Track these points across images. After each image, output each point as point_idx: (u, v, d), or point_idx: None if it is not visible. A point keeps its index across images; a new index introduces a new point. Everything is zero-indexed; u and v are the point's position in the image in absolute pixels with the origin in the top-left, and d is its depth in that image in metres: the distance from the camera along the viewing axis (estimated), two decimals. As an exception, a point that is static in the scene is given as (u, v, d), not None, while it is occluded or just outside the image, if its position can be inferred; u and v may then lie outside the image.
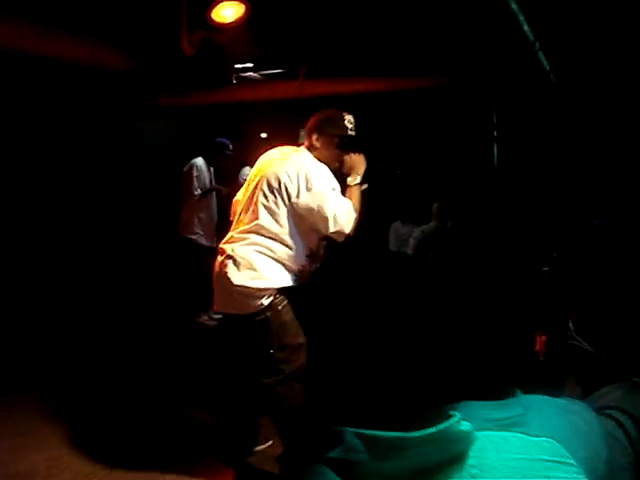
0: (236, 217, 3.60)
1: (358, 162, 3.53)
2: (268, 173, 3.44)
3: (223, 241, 3.56)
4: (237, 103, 7.27)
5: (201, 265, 6.82)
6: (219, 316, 6.95)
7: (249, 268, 3.34)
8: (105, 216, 7.70)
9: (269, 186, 3.40)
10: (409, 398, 4.17)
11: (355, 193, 3.47)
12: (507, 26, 5.05)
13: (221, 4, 5.62)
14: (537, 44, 4.45)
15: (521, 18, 3.88)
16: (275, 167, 3.45)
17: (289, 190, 3.34)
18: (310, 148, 3.55)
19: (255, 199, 3.45)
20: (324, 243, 3.59)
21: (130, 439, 4.25)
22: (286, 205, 3.36)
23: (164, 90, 7.08)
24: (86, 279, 7.36)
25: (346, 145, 3.50)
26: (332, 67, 6.35)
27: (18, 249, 7.00)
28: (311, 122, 3.58)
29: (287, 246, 3.40)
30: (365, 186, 3.52)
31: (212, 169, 7.23)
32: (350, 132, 3.52)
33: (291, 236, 3.40)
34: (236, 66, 7.24)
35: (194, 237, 7.13)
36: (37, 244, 7.16)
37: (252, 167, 6.67)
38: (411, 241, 7.28)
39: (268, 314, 3.36)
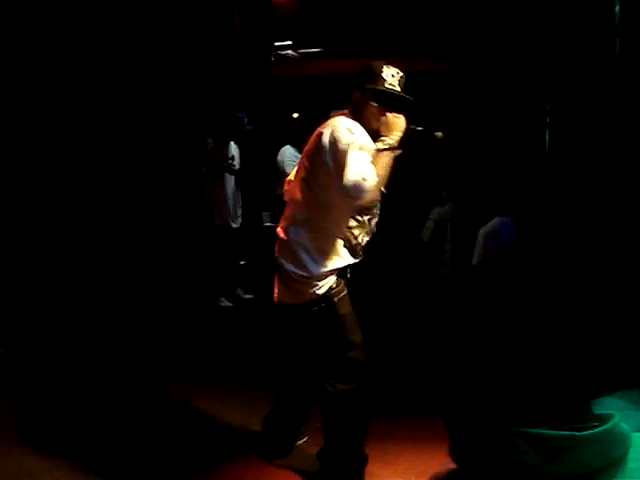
0: (288, 197, 3.36)
1: (395, 123, 3.16)
2: (309, 145, 3.21)
3: (279, 226, 3.31)
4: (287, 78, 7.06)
5: (228, 245, 6.97)
6: (248, 296, 7.20)
7: (299, 252, 3.12)
8: (121, 195, 7.46)
9: (308, 158, 3.17)
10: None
11: (382, 159, 3.10)
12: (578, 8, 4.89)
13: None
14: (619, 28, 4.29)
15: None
16: (314, 137, 3.18)
17: (321, 154, 3.05)
18: (353, 109, 3.22)
19: (299, 177, 3.24)
20: (375, 212, 3.28)
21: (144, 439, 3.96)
22: (320, 172, 3.08)
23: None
24: (97, 262, 7.13)
25: (383, 100, 3.12)
26: (384, 47, 6.20)
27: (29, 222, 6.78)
28: (352, 78, 3.25)
29: (328, 218, 3.12)
30: (399, 152, 3.16)
31: (232, 146, 7.02)
32: (390, 86, 3.13)
33: (328, 206, 3.10)
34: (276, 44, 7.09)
35: (217, 220, 6.99)
36: (63, 210, 6.92)
37: (294, 146, 6.85)
38: (429, 224, 7.19)
39: (323, 305, 3.12)
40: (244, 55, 7.12)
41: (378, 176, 3.00)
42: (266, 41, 6.95)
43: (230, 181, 7.07)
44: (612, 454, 1.98)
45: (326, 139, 3.04)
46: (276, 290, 3.28)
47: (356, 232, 3.21)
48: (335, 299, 3.13)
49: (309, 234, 3.13)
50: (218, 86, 7.46)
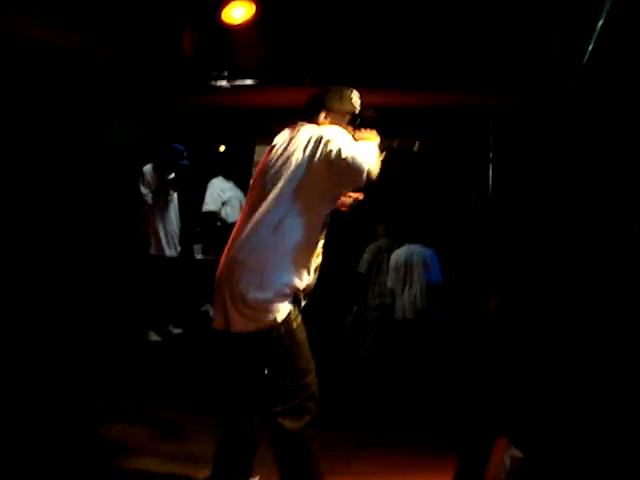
0: (239, 219, 3.21)
1: (371, 137, 3.28)
2: (269, 157, 3.12)
3: (226, 246, 3.15)
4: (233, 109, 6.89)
5: (162, 277, 6.74)
6: (177, 331, 6.95)
7: (261, 276, 2.95)
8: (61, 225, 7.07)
9: (275, 165, 3.05)
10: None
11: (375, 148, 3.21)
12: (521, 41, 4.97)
13: (232, 3, 5.34)
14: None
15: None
16: (280, 147, 3.12)
17: (301, 155, 2.99)
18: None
19: (258, 191, 3.10)
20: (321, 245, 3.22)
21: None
22: (293, 178, 2.99)
23: (158, 90, 6.63)
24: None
25: (359, 122, 3.28)
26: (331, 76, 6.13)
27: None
28: (313, 99, 3.32)
29: (293, 238, 3.00)
30: (383, 154, 3.25)
31: (169, 175, 6.87)
32: (359, 108, 3.32)
33: (297, 223, 3.00)
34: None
35: (152, 250, 6.81)
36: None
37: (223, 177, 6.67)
38: (365, 257, 7.45)
39: (281, 331, 2.97)
40: (181, 83, 6.91)
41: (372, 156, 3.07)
42: (203, 70, 6.75)
43: (170, 210, 6.93)
44: None
45: (314, 141, 3.00)
46: (223, 318, 3.05)
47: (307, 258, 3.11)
48: (294, 325, 3.01)
49: (273, 256, 2.98)
50: (155, 115, 7.21)
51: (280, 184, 3.01)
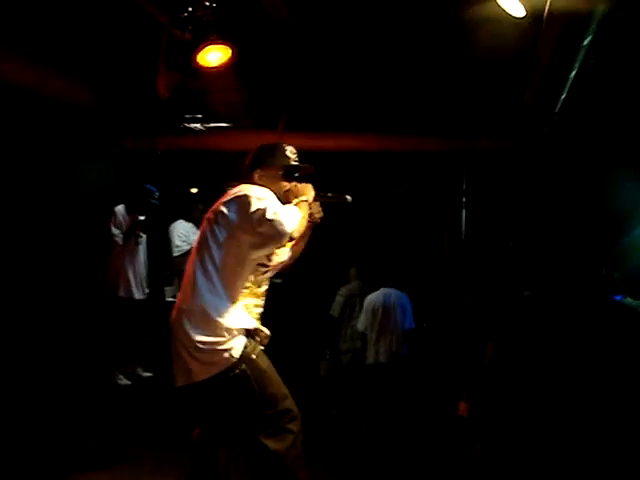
0: (186, 270, 3.28)
1: (305, 189, 3.36)
2: (210, 214, 3.22)
3: (178, 299, 3.21)
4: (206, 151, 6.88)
5: (131, 320, 6.64)
6: (147, 374, 6.83)
7: (206, 319, 3.00)
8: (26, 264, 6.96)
9: (210, 224, 3.17)
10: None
11: (302, 207, 3.30)
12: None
13: (208, 47, 5.33)
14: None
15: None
16: (216, 205, 3.22)
17: (231, 216, 3.10)
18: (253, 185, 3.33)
19: (200, 244, 3.20)
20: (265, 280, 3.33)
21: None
22: (225, 233, 3.11)
23: (132, 132, 6.60)
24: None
25: (291, 175, 3.36)
26: (305, 122, 6.18)
27: None
28: (249, 159, 3.42)
29: (226, 283, 3.10)
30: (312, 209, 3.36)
31: (139, 217, 6.80)
32: (293, 162, 3.39)
33: (229, 269, 3.11)
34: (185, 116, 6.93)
35: (121, 293, 6.71)
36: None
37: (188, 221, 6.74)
38: (338, 300, 7.43)
39: (243, 367, 3.00)
40: (150, 124, 6.91)
41: (294, 219, 3.16)
42: (177, 112, 6.76)
43: (140, 252, 6.85)
44: None
45: (240, 204, 3.10)
46: (184, 373, 3.06)
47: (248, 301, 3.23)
48: (253, 356, 3.05)
49: (215, 298, 3.05)
50: (126, 154, 7.18)
51: (213, 238, 3.12)
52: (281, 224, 3.05)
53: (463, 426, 4.47)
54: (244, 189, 3.19)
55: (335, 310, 7.43)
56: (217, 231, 3.13)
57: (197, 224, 6.90)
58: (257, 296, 3.30)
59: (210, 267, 3.10)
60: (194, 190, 8.43)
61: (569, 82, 3.75)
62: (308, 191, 3.36)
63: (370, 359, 6.94)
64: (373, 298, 6.97)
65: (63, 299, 6.92)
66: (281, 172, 3.35)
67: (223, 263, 3.10)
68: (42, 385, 5.95)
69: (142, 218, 6.82)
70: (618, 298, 4.88)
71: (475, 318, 6.05)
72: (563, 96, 4.02)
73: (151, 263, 7.09)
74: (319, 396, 6.99)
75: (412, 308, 6.92)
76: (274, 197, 3.19)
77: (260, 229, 3.05)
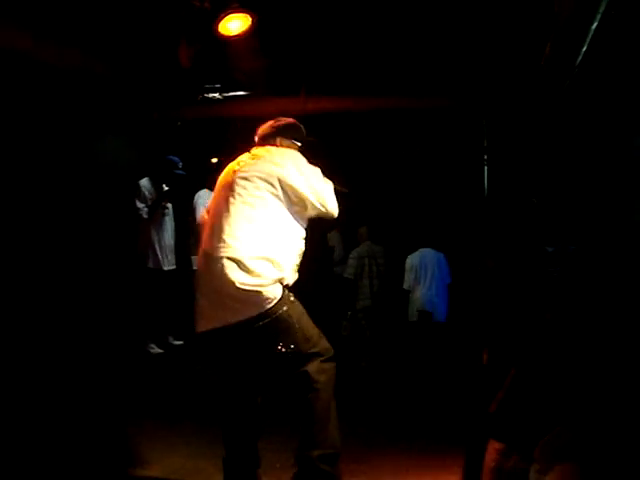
0: (211, 225, 3.43)
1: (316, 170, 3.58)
2: (248, 169, 3.44)
3: (207, 249, 3.35)
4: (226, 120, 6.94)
5: (161, 290, 6.75)
6: (178, 342, 6.96)
7: (251, 267, 3.17)
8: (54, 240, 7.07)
9: (252, 180, 3.37)
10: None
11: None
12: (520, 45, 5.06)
13: (229, 16, 5.39)
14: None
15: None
16: (255, 162, 3.47)
17: (281, 174, 3.35)
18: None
19: (228, 193, 3.41)
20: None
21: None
22: (276, 193, 3.34)
23: (154, 103, 6.67)
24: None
25: (304, 150, 3.64)
26: (326, 85, 6.23)
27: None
28: (272, 127, 3.71)
29: (280, 241, 3.31)
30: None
31: (164, 188, 6.91)
32: (308, 138, 3.77)
33: (283, 229, 3.34)
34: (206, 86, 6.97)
35: (150, 264, 6.81)
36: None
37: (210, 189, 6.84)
38: (351, 263, 7.83)
39: (285, 308, 3.21)
40: (173, 95, 6.96)
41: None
42: (195, 82, 6.81)
43: (167, 223, 6.92)
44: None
45: (292, 165, 3.39)
46: (212, 315, 3.23)
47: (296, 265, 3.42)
48: (292, 298, 3.28)
49: (254, 248, 3.23)
50: (148, 126, 7.25)
51: (250, 194, 3.36)
52: (331, 204, 3.48)
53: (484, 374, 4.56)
54: (281, 150, 3.56)
55: (349, 273, 7.80)
56: (258, 189, 3.35)
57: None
58: (296, 255, 3.46)
59: (254, 220, 3.30)
60: (214, 160, 8.50)
61: (590, 34, 3.77)
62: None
63: (413, 317, 7.18)
64: (412, 258, 7.21)
65: (95, 272, 7.09)
66: (299, 144, 3.69)
67: (271, 218, 3.33)
68: (76, 355, 6.06)
69: (167, 189, 6.90)
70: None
71: (499, 279, 6.14)
72: (584, 49, 4.03)
73: (178, 233, 7.19)
74: (346, 352, 7.14)
75: (448, 266, 7.14)
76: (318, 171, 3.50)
77: (307, 202, 3.38)
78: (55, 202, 6.77)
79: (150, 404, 5.34)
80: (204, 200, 7.21)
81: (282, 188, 3.33)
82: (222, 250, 3.23)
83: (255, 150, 3.62)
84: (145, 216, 6.76)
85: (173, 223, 7.14)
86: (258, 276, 3.15)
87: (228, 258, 3.19)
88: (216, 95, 7.05)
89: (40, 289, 6.49)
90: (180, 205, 7.24)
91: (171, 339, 7.10)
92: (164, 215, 6.97)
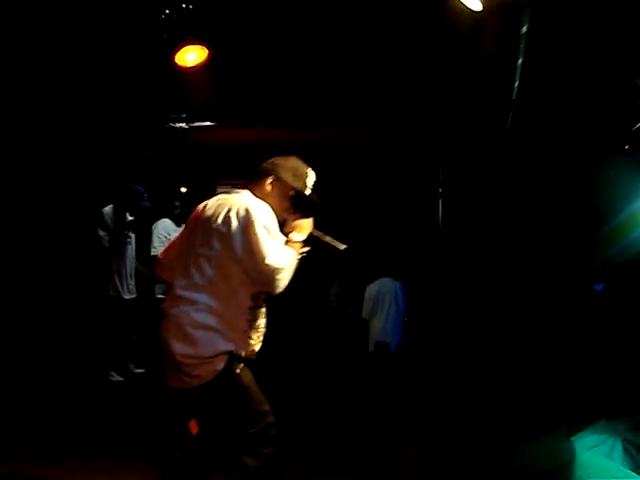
0: (173, 270, 3.17)
1: (305, 225, 3.25)
2: (203, 219, 3.10)
3: (164, 303, 3.15)
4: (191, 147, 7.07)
5: (122, 318, 6.79)
6: (139, 370, 6.97)
7: (194, 336, 2.94)
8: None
9: (205, 232, 3.05)
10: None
11: (296, 249, 3.15)
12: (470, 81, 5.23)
13: (185, 48, 5.54)
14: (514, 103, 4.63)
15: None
16: (212, 210, 3.10)
17: (227, 230, 2.98)
18: (257, 191, 3.21)
19: (192, 251, 3.08)
20: (261, 309, 3.18)
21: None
22: (222, 249, 2.99)
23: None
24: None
25: (300, 203, 3.23)
26: (283, 117, 6.36)
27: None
28: (271, 163, 3.25)
29: (226, 302, 3.01)
30: (304, 250, 3.21)
31: (128, 217, 6.93)
32: (307, 192, 3.26)
33: (232, 284, 3.01)
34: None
35: (111, 292, 6.84)
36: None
37: (171, 219, 6.86)
38: (334, 292, 8.14)
39: (226, 381, 2.98)
40: (140, 124, 7.09)
41: (289, 271, 3.01)
42: (162, 112, 6.95)
43: (128, 252, 6.99)
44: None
45: (238, 218, 2.98)
46: (168, 375, 3.07)
47: (253, 336, 3.12)
48: (237, 371, 3.01)
49: (206, 314, 2.98)
50: (115, 154, 7.36)
51: (207, 253, 3.02)
52: (277, 274, 2.95)
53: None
54: (248, 204, 3.03)
55: (333, 301, 8.10)
56: (209, 247, 3.02)
57: (178, 222, 7.11)
58: (253, 319, 3.14)
59: (199, 282, 3.01)
60: (184, 189, 8.60)
61: (518, 69, 3.93)
62: (307, 227, 3.25)
63: (371, 346, 7.30)
64: (370, 287, 7.47)
65: (55, 299, 7.13)
66: (292, 194, 3.21)
67: (222, 278, 3.00)
68: (36, 383, 6.13)
69: (131, 219, 6.97)
70: (598, 288, 5.01)
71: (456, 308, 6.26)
72: (516, 83, 4.19)
73: (142, 261, 7.24)
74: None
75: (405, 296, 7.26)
76: (276, 224, 3.08)
77: (253, 268, 2.96)
78: (19, 229, 6.88)
79: (105, 434, 5.24)
80: (159, 230, 7.28)
81: (228, 238, 2.98)
82: (172, 310, 3.03)
83: (222, 196, 3.22)
84: (106, 245, 6.79)
85: (134, 253, 7.15)
86: (200, 348, 2.93)
87: (173, 323, 3.00)
88: (182, 125, 7.18)
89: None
90: (143, 235, 7.28)
91: (132, 367, 7.10)
92: (126, 244, 7.00)
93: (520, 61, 3.75)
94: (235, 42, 5.72)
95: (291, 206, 3.22)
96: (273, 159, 3.26)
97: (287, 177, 3.20)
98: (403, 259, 7.12)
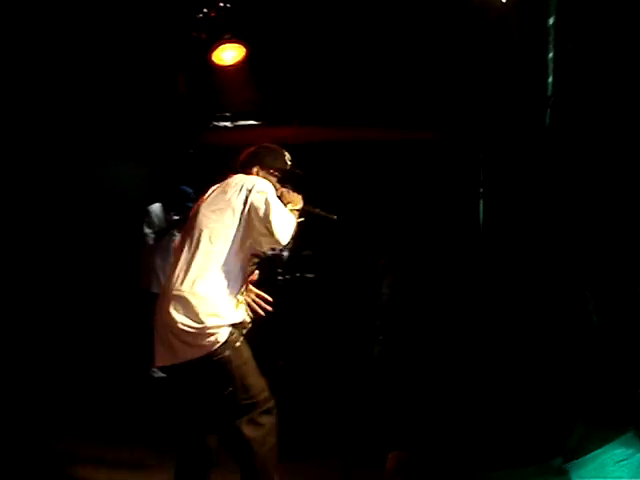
0: (175, 256, 3.37)
1: (296, 198, 3.50)
2: (208, 198, 3.37)
3: (165, 283, 3.33)
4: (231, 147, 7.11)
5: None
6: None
7: (195, 304, 3.07)
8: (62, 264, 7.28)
9: (210, 205, 3.30)
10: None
11: (295, 216, 3.41)
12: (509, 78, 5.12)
13: (222, 46, 5.59)
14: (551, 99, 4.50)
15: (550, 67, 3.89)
16: (215, 191, 3.39)
17: (233, 202, 3.22)
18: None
19: (194, 226, 3.30)
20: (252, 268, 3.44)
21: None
22: (228, 222, 3.21)
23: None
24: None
25: (286, 180, 3.54)
26: (323, 116, 6.35)
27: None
28: (249, 154, 3.58)
29: (228, 266, 3.19)
30: (301, 219, 3.48)
31: (173, 216, 7.00)
32: (289, 168, 3.60)
33: (232, 256, 3.20)
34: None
35: (154, 289, 6.90)
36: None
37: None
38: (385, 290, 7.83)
39: (227, 353, 3.08)
40: (184, 123, 7.17)
41: (291, 227, 3.28)
42: (205, 111, 7.01)
43: (172, 250, 7.03)
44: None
45: (247, 186, 3.24)
46: (167, 351, 3.16)
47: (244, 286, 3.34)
48: (237, 344, 3.13)
49: (208, 284, 3.13)
50: (160, 153, 7.47)
51: (211, 224, 3.24)
52: (281, 230, 3.17)
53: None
54: (250, 178, 3.35)
55: (383, 300, 7.81)
56: (213, 221, 3.24)
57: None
58: (246, 285, 3.39)
59: (209, 254, 3.18)
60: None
61: (550, 64, 3.82)
62: (298, 201, 3.49)
63: None
64: None
65: (101, 296, 7.27)
66: (278, 174, 3.53)
67: (222, 250, 3.18)
68: (82, 380, 6.27)
69: (177, 218, 7.04)
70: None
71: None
72: (550, 79, 4.08)
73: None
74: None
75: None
76: (274, 194, 3.30)
77: (260, 226, 3.17)
78: (66, 226, 7.04)
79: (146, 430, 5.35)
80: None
81: (231, 211, 3.22)
82: (173, 286, 3.18)
83: (224, 181, 3.47)
84: (150, 242, 6.87)
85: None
86: (202, 318, 3.06)
87: (175, 296, 3.13)
88: (227, 124, 7.22)
89: (44, 311, 6.72)
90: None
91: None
92: (170, 242, 7.07)
93: (551, 55, 3.63)
94: (273, 40, 5.74)
95: (280, 183, 3.52)
96: (249, 152, 3.59)
97: (269, 161, 3.54)
98: (443, 260, 6.98)
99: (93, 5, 5.40)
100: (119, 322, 7.05)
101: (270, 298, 3.46)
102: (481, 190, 6.65)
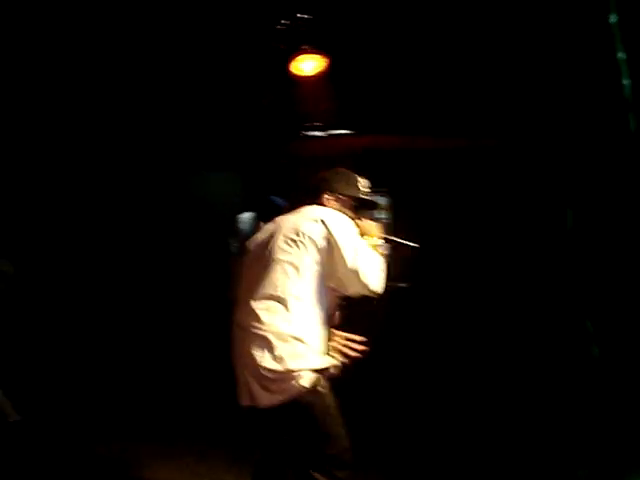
0: (246, 282, 3.17)
1: (372, 228, 3.34)
2: (284, 227, 3.14)
3: (238, 313, 3.13)
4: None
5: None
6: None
7: (279, 348, 2.91)
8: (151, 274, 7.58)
9: (287, 240, 3.08)
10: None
11: (378, 251, 3.20)
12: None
13: (301, 56, 5.68)
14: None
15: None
16: (292, 219, 3.17)
17: (313, 237, 3.02)
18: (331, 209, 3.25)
19: (271, 258, 3.08)
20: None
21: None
22: (308, 257, 3.02)
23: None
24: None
25: (361, 207, 3.35)
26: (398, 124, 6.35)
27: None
28: (320, 180, 3.38)
29: (311, 310, 3.01)
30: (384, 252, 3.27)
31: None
32: (364, 195, 3.37)
33: (315, 294, 3.01)
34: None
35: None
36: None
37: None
38: None
39: (310, 399, 2.92)
40: (275, 133, 7.32)
41: (380, 272, 3.08)
42: (294, 121, 7.14)
43: None
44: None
45: (327, 227, 3.05)
46: (247, 393, 3.02)
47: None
48: (322, 389, 2.98)
49: (291, 324, 2.97)
50: (253, 163, 7.65)
51: (285, 256, 3.05)
52: (372, 276, 3.03)
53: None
54: (325, 212, 3.13)
55: None
56: (289, 255, 3.04)
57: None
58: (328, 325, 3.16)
59: (285, 290, 2.99)
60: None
61: (622, 64, 3.67)
62: (375, 231, 3.33)
63: None
64: None
65: (191, 305, 7.53)
66: (350, 202, 3.30)
67: (300, 287, 3.00)
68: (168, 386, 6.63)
69: None
70: None
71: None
72: (626, 81, 3.91)
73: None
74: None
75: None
76: (353, 232, 3.12)
77: (346, 272, 3.01)
78: (158, 233, 7.34)
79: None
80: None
81: (310, 245, 3.03)
82: (251, 323, 3.01)
83: (294, 211, 3.32)
84: (234, 251, 7.03)
85: None
86: (286, 361, 2.90)
87: (257, 335, 2.96)
88: (319, 133, 7.32)
89: (135, 319, 7.05)
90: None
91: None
92: None
93: (620, 55, 3.49)
94: (351, 50, 5.79)
95: (354, 213, 3.33)
96: (320, 175, 3.41)
97: (341, 188, 3.33)
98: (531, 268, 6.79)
99: (184, 23, 5.65)
100: (207, 331, 7.27)
101: (359, 338, 3.24)
102: (569, 198, 6.44)
